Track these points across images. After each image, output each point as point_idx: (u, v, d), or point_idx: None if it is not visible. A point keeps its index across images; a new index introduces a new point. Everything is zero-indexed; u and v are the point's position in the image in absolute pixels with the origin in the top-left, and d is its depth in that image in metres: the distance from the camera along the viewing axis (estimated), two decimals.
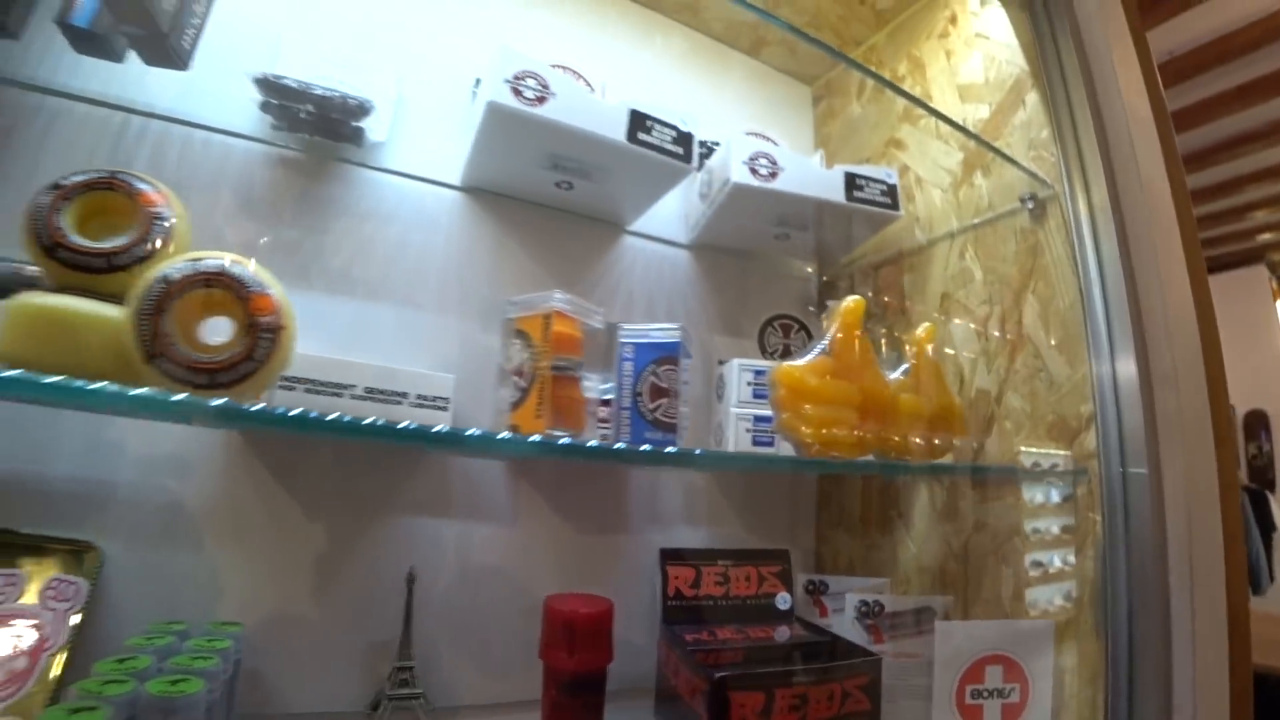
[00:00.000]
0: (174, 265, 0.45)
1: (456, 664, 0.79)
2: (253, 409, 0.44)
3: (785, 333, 0.97)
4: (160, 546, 0.70)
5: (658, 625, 0.84)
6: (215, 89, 0.78)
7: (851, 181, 0.92)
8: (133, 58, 0.72)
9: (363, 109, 0.79)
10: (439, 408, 0.71)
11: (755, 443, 0.84)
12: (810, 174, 0.92)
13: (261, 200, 0.79)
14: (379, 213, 0.84)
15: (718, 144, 0.96)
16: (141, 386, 0.42)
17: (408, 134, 0.87)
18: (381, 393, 0.68)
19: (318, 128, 0.80)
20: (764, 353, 0.98)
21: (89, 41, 0.71)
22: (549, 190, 0.89)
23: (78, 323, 0.46)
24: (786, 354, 0.91)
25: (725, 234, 1.01)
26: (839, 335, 0.71)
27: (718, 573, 0.88)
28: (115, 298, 0.47)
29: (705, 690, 0.69)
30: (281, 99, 0.76)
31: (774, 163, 0.90)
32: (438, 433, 0.53)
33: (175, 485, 0.72)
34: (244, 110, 0.79)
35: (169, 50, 0.73)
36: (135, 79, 0.75)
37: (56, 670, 0.63)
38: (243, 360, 0.44)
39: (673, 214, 1.01)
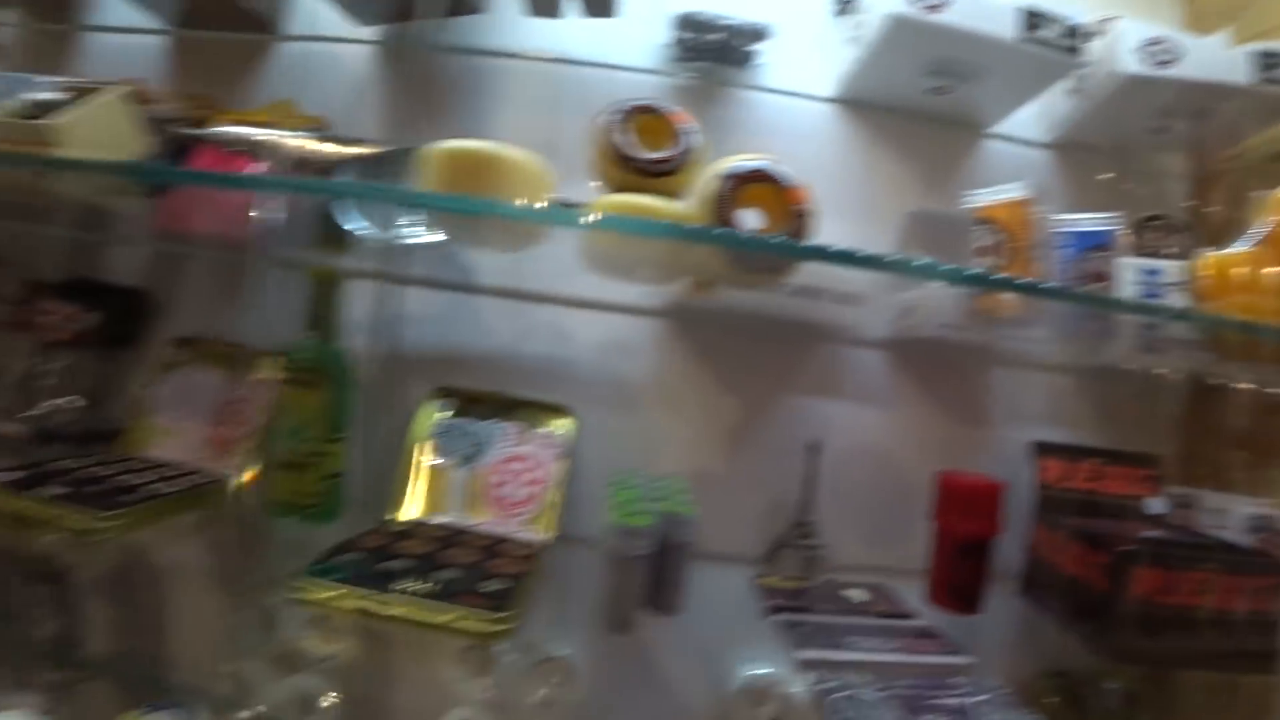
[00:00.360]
0: (733, 165, 0.56)
1: (839, 529, 0.90)
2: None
3: (1165, 233, 0.93)
4: (612, 411, 0.87)
5: (1019, 515, 0.88)
6: (619, 31, 0.90)
7: (1270, 61, 0.85)
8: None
9: (763, 34, 0.87)
10: (853, 303, 0.79)
11: (1144, 344, 0.83)
12: (1213, 57, 0.86)
13: None
14: (763, 129, 0.93)
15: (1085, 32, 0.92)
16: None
17: (779, 54, 0.94)
18: (806, 289, 0.77)
19: (715, 56, 0.89)
20: (1139, 254, 0.94)
21: (541, 4, 0.85)
22: (917, 97, 0.92)
23: (650, 214, 0.59)
24: (1169, 256, 0.88)
25: (1096, 131, 0.98)
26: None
27: (1089, 469, 0.90)
28: (663, 195, 0.60)
29: (1105, 564, 0.73)
30: (695, 32, 0.86)
31: (1171, 48, 0.86)
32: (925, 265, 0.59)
33: (622, 363, 0.88)
34: (643, 47, 0.90)
35: (608, 2, 0.85)
36: (555, 34, 0.89)
37: (554, 500, 0.82)
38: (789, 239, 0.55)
39: (1028, 113, 0.99)
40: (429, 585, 0.62)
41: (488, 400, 0.86)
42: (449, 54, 0.90)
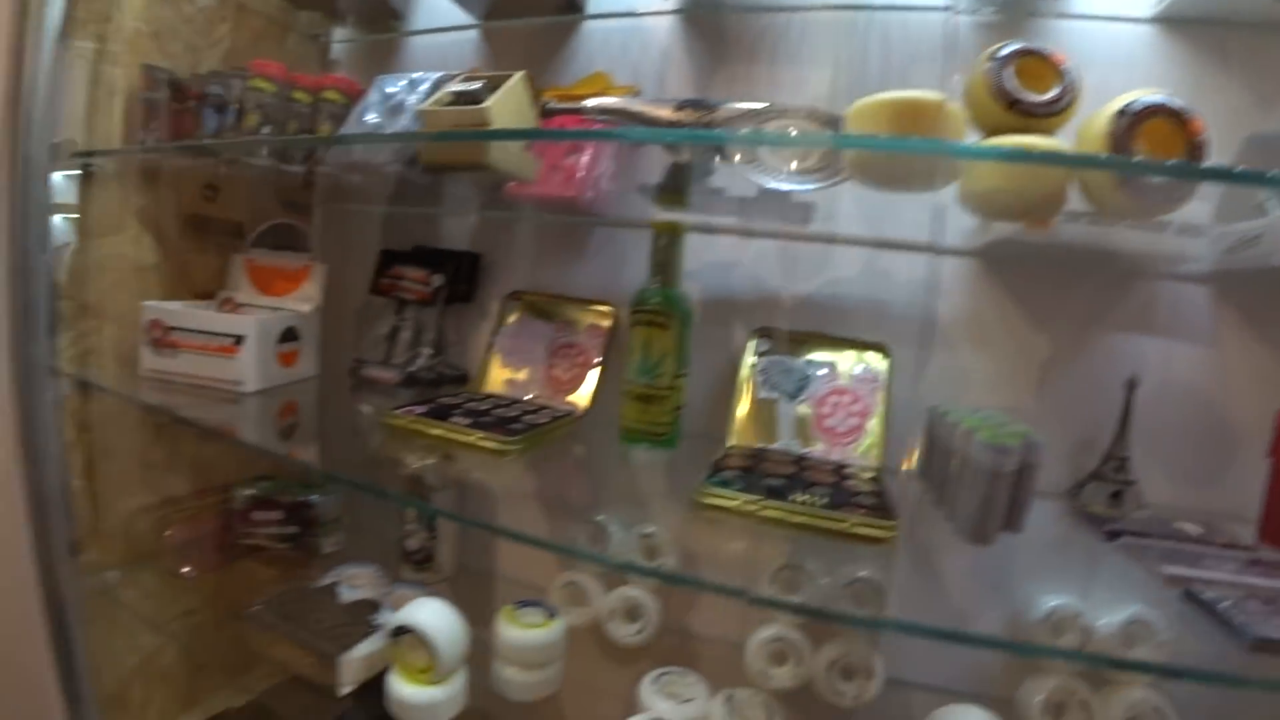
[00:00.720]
0: (1130, 101, 0.58)
1: (1150, 467, 0.89)
2: None
3: None
4: (923, 348, 0.91)
5: None
6: None
7: None
8: None
9: None
10: (1192, 234, 0.78)
11: None
12: None
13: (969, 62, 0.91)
14: (1075, 57, 0.91)
15: None
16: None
17: None
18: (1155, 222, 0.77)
19: None
20: None
21: None
22: (1258, 5, 0.87)
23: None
24: None
25: None
26: None
27: None
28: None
29: None
30: None
31: None
32: None
33: (934, 302, 0.91)
34: None
35: None
36: None
37: (877, 431, 0.88)
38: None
39: None
40: (817, 498, 0.70)
41: (808, 339, 0.93)
42: (749, 13, 0.96)
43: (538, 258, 1.12)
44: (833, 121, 0.77)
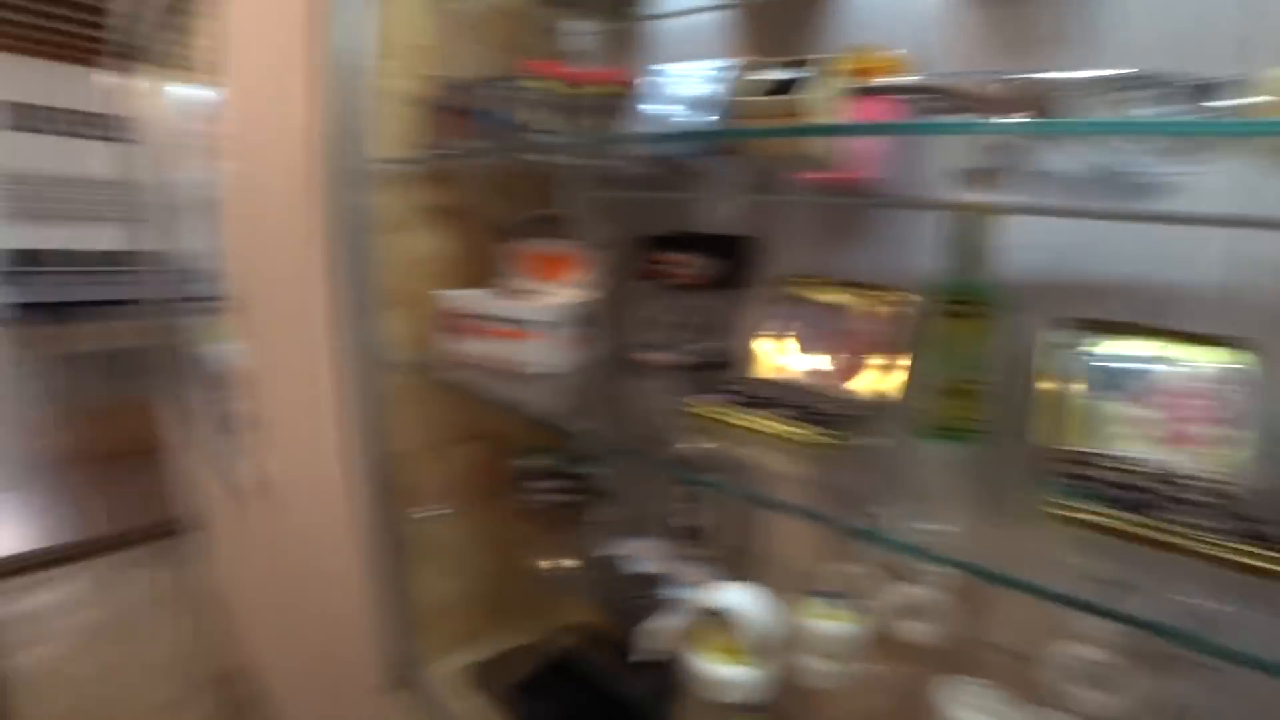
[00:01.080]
0: None
1: None
2: None
3: None
4: None
5: None
6: None
7: None
8: None
9: None
10: None
11: None
12: None
13: None
14: None
15: None
16: None
17: None
18: None
19: None
20: None
21: None
22: None
23: None
24: None
25: None
26: None
27: None
28: None
29: None
30: None
31: None
32: None
33: None
34: None
35: None
36: None
37: (1236, 435, 0.76)
38: None
39: None
40: (1195, 519, 0.63)
41: (1139, 330, 0.83)
42: None
43: (810, 241, 1.09)
44: (1205, 90, 0.66)
